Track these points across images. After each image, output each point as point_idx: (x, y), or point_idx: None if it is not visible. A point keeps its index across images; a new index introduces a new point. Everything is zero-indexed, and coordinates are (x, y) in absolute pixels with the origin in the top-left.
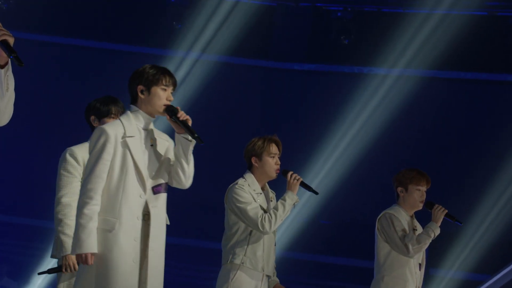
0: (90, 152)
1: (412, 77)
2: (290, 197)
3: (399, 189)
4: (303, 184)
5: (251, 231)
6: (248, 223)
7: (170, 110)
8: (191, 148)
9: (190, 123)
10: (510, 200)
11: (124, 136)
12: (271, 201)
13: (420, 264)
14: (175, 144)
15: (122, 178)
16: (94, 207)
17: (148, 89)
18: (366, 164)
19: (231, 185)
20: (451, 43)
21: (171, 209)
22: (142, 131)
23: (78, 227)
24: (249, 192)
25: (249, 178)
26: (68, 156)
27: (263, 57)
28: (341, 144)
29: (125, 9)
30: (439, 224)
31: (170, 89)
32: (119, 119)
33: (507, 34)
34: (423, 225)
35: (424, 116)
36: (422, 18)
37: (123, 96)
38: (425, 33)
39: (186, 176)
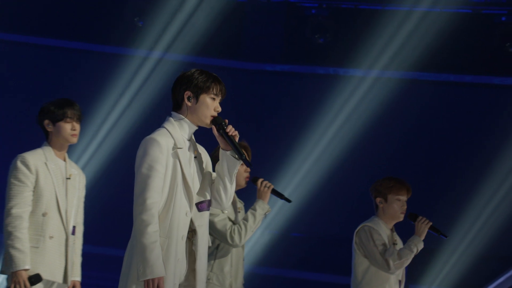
0: (138, 165)
1: (391, 79)
2: (261, 207)
3: (378, 199)
4: (275, 192)
5: (218, 245)
6: (215, 236)
7: (218, 123)
8: (237, 167)
9: (237, 139)
10: (496, 210)
11: (174, 147)
12: (239, 211)
13: (400, 281)
14: (212, 160)
15: (173, 193)
16: (157, 225)
17: (197, 96)
18: (342, 172)
19: None
20: (433, 43)
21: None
22: (187, 142)
23: (145, 249)
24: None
25: None
26: (19, 164)
27: (232, 57)
28: (315, 151)
29: (82, 4)
30: (423, 237)
31: (218, 99)
32: (165, 127)
33: (492, 33)
34: (403, 238)
35: (404, 121)
36: (403, 15)
37: (76, 96)
38: (405, 32)
39: (227, 197)
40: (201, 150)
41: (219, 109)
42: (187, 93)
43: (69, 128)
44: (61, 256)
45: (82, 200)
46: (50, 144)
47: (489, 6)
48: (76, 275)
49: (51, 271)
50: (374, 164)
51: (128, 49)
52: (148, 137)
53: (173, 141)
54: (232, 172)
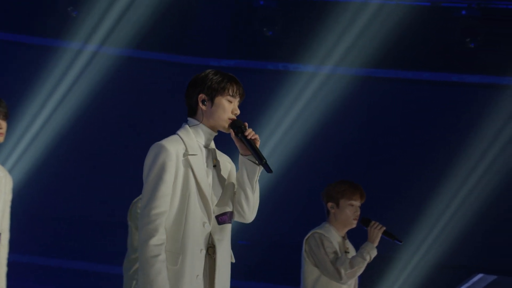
0: (146, 174)
1: (344, 76)
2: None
3: (329, 204)
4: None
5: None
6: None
7: (237, 126)
8: (258, 173)
9: (258, 144)
10: (455, 215)
11: (185, 154)
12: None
13: None
14: (237, 168)
15: (184, 204)
16: (162, 237)
17: (212, 99)
18: (292, 175)
19: (135, 199)
20: (389, 37)
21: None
22: (204, 149)
23: (145, 263)
24: None
25: None
26: None
27: (174, 51)
28: (263, 151)
29: None
30: (376, 244)
31: (236, 101)
32: (178, 134)
33: (452, 28)
34: (356, 244)
35: (358, 120)
36: (357, 8)
37: (2, 92)
38: (359, 26)
39: (250, 208)
40: (224, 158)
41: (238, 111)
42: (201, 96)
43: None
44: None
45: (8, 204)
46: None
47: None
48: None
49: None
50: (326, 165)
51: (61, 41)
52: (156, 143)
53: (185, 147)
54: (253, 180)
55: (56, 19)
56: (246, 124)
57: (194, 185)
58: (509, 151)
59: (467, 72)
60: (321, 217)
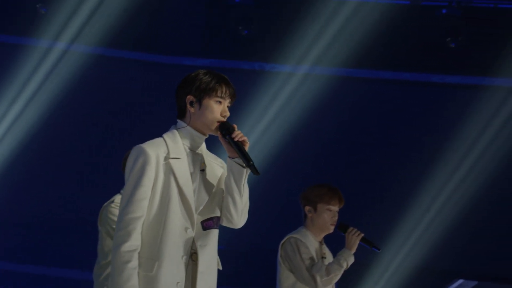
0: (126, 178)
1: (322, 76)
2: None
3: (307, 208)
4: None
5: None
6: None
7: (225, 128)
8: (245, 176)
9: (247, 146)
10: (435, 219)
11: (167, 158)
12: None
13: None
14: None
15: (164, 209)
16: (135, 243)
17: (199, 100)
18: (270, 176)
19: (106, 203)
20: (367, 37)
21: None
22: (191, 153)
23: (114, 269)
24: None
25: None
26: None
27: (147, 50)
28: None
29: None
30: (354, 250)
31: (226, 102)
32: (163, 136)
33: (432, 27)
34: (333, 250)
35: (336, 121)
36: (334, 6)
37: None
38: (337, 25)
39: (238, 213)
40: (217, 162)
41: (227, 113)
42: (189, 98)
43: None
44: None
45: None
46: None
47: None
48: None
49: None
50: (305, 165)
51: (30, 39)
52: (137, 146)
53: (167, 150)
54: (240, 183)
55: (24, 16)
56: (235, 126)
57: (176, 189)
58: (490, 154)
59: (448, 72)
60: (300, 219)
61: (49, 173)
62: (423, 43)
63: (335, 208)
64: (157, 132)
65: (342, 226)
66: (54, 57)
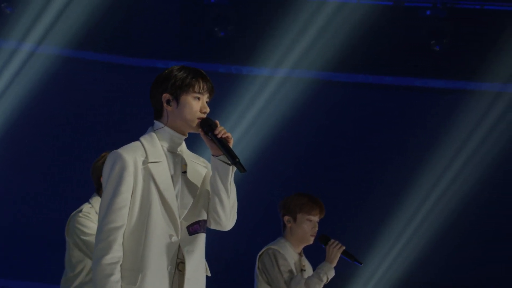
0: (104, 187)
1: (301, 80)
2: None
3: (286, 218)
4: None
5: None
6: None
7: (206, 125)
8: (231, 175)
9: (231, 143)
10: (417, 231)
11: (146, 162)
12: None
13: None
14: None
15: (145, 216)
16: (116, 255)
17: (176, 98)
18: (246, 185)
19: (73, 212)
20: (348, 39)
21: None
22: (170, 155)
23: (97, 283)
24: (96, 221)
25: (97, 203)
26: None
27: (118, 52)
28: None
29: None
30: (334, 264)
31: (205, 97)
32: (140, 139)
33: (416, 29)
34: (314, 262)
35: (317, 127)
36: (315, 7)
37: None
38: (317, 26)
39: (226, 213)
40: (199, 162)
41: (207, 109)
42: (165, 96)
43: None
44: None
45: None
46: None
47: None
48: None
49: None
50: (283, 176)
51: None
52: (113, 151)
53: (145, 154)
54: (226, 182)
55: None
56: (217, 122)
57: (157, 195)
58: (475, 161)
59: (432, 76)
60: (278, 231)
61: (16, 179)
62: (406, 46)
63: (316, 218)
64: (132, 135)
65: (323, 238)
66: (20, 58)
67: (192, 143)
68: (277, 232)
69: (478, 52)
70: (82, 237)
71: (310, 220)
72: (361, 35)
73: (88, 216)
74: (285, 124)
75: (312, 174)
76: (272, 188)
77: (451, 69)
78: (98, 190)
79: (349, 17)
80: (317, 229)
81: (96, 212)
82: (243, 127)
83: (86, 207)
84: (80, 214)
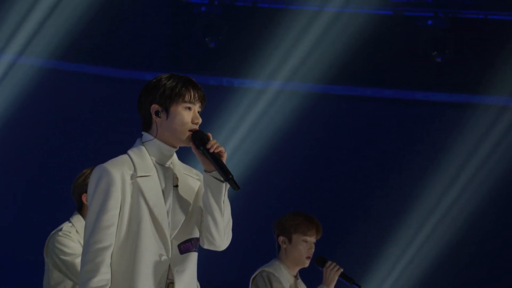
0: (89, 203)
1: (296, 93)
2: None
3: (281, 239)
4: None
5: None
6: (77, 282)
7: (198, 138)
8: (224, 192)
9: (224, 157)
10: (418, 253)
11: (134, 176)
12: None
13: None
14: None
15: (134, 234)
16: (104, 277)
17: (166, 108)
18: (239, 203)
19: (53, 231)
20: (346, 50)
21: None
22: (161, 168)
23: None
24: (77, 241)
25: (79, 222)
26: None
27: (105, 63)
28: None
29: None
30: (332, 287)
31: (196, 107)
32: (127, 152)
33: (416, 40)
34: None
35: (311, 142)
36: (310, 16)
37: None
38: (313, 37)
39: (220, 233)
40: (192, 175)
41: (199, 120)
42: (154, 107)
43: None
44: None
45: None
46: None
47: (413, 7)
48: None
49: None
50: (277, 193)
51: None
52: (98, 166)
53: (133, 168)
54: (219, 200)
55: None
56: (210, 135)
57: (147, 211)
58: (481, 177)
59: (434, 89)
60: (273, 252)
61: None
62: (406, 57)
63: (312, 239)
64: (120, 148)
65: (319, 260)
66: (1, 70)
67: (184, 156)
68: (273, 250)
69: (482, 64)
70: (62, 257)
71: (306, 241)
72: (359, 46)
73: (69, 235)
74: (279, 139)
75: (307, 199)
76: (268, 202)
77: (454, 81)
78: (79, 208)
79: (346, 27)
80: (313, 250)
81: (77, 231)
82: (235, 142)
83: (66, 226)
84: (60, 233)
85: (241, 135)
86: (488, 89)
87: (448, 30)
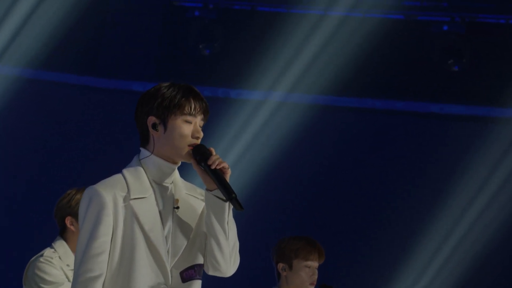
0: (80, 228)
1: (298, 105)
2: None
3: (280, 265)
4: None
5: None
6: None
7: (199, 153)
8: (228, 212)
9: (228, 174)
10: (445, 266)
11: (127, 199)
12: None
13: None
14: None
15: (127, 263)
16: None
17: (164, 121)
18: (242, 220)
19: (33, 257)
20: (353, 58)
21: None
22: (159, 188)
23: None
24: (60, 268)
25: (61, 247)
26: None
27: (88, 73)
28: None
29: None
30: None
31: (198, 120)
32: (122, 172)
33: (430, 47)
34: None
35: (316, 160)
36: (314, 21)
37: None
38: (317, 43)
39: (225, 258)
40: (195, 194)
41: (200, 134)
42: (151, 119)
43: None
44: None
45: None
46: None
47: (427, 11)
48: None
49: None
50: (277, 213)
51: None
52: (89, 187)
53: (127, 189)
54: (223, 221)
55: None
56: (212, 149)
57: (142, 237)
58: (502, 198)
59: (450, 101)
60: (272, 278)
61: None
62: (419, 66)
63: (314, 264)
64: (118, 151)
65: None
66: None
67: (186, 173)
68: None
69: (502, 73)
70: (42, 285)
71: (308, 267)
72: (367, 54)
73: (51, 261)
74: (280, 156)
75: (311, 225)
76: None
77: (472, 92)
78: (61, 232)
79: (353, 33)
80: (316, 276)
81: (59, 258)
82: (232, 159)
83: (48, 251)
84: (41, 259)
85: (238, 152)
86: (509, 101)
87: (466, 36)
